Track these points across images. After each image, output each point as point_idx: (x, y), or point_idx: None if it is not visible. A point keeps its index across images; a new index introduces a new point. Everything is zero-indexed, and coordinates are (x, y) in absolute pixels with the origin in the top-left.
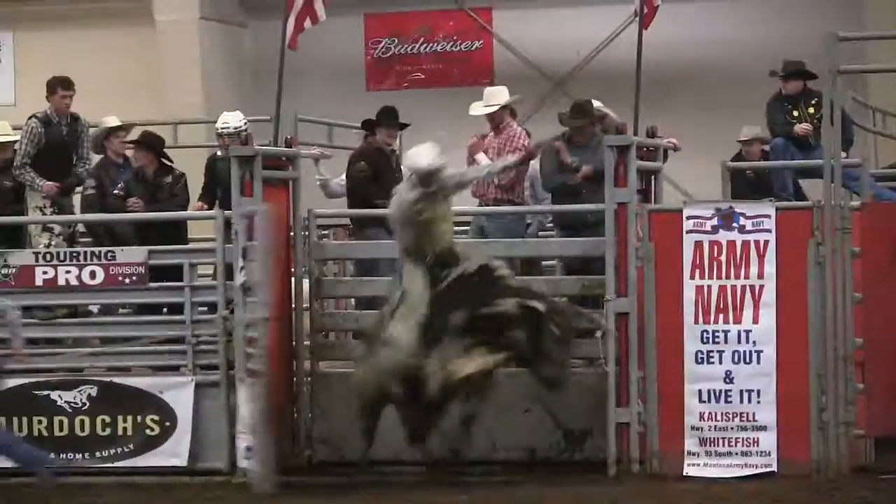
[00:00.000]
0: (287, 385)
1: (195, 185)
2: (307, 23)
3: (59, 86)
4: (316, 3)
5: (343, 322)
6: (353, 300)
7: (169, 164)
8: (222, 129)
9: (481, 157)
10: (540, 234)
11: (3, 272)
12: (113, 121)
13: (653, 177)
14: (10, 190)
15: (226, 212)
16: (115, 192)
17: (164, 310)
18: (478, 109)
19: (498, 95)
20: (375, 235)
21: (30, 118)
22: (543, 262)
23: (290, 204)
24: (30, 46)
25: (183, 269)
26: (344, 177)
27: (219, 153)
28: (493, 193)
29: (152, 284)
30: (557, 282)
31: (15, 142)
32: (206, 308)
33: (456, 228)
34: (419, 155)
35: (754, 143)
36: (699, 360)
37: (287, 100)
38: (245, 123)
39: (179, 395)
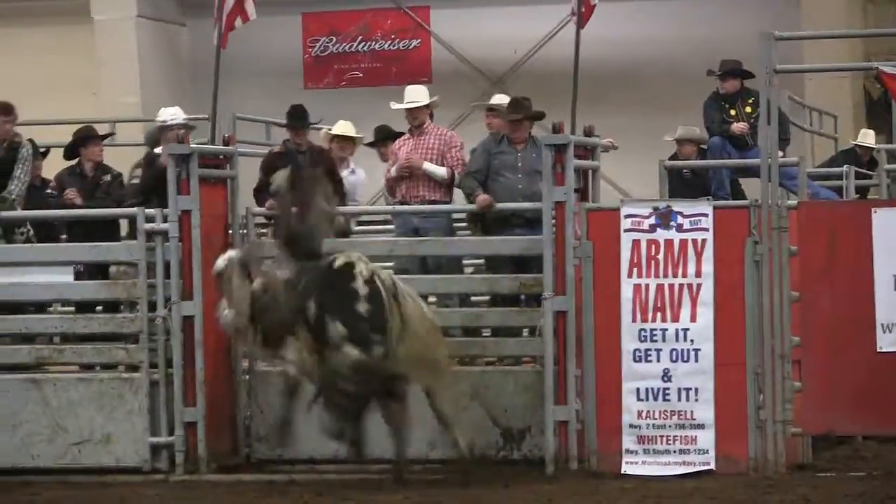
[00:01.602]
0: (226, 383)
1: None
2: (237, 22)
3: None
4: (246, 3)
5: None
6: None
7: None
8: (171, 120)
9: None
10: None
11: None
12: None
13: (590, 175)
14: None
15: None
16: (48, 190)
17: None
18: (397, 106)
19: (419, 94)
20: None
21: None
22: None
23: (227, 202)
24: None
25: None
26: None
27: (157, 150)
28: (424, 193)
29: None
30: (494, 280)
31: None
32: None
33: (381, 228)
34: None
35: (686, 144)
36: (637, 359)
37: (225, 98)
38: (184, 118)
39: None
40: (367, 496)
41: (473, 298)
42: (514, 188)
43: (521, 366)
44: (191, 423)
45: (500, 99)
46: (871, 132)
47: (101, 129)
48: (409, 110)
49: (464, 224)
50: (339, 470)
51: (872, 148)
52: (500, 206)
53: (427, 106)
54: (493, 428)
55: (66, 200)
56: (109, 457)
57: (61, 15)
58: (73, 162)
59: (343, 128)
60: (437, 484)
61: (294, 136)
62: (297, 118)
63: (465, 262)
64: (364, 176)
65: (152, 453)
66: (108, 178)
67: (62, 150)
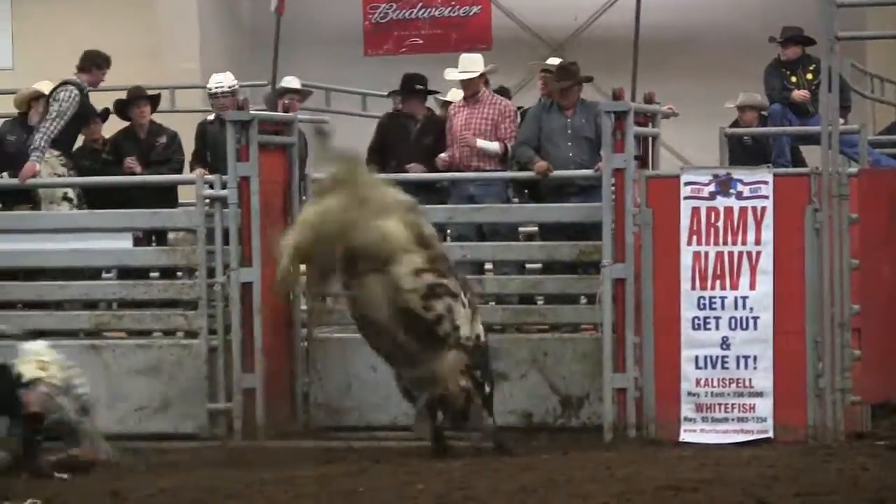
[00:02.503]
0: (285, 350)
1: (190, 149)
2: None
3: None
4: None
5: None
6: None
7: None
8: (216, 88)
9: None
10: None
11: None
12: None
13: (650, 142)
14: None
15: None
16: (104, 156)
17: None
18: (452, 74)
19: (474, 62)
20: None
21: (66, 84)
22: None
23: (286, 168)
24: (27, 12)
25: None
26: None
27: (209, 118)
28: (476, 163)
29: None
30: (553, 247)
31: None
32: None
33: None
34: None
35: (748, 111)
36: (696, 327)
37: (285, 66)
38: (236, 84)
39: None
40: (425, 463)
41: (529, 266)
42: (566, 156)
43: (580, 333)
44: (249, 390)
45: (555, 61)
46: None
47: (162, 96)
48: (462, 80)
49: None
50: (397, 437)
51: None
52: (556, 173)
53: (482, 75)
54: (551, 395)
55: (126, 168)
56: (167, 423)
57: None
58: (127, 124)
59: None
60: (495, 451)
61: (407, 106)
62: (413, 85)
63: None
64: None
65: (210, 420)
66: (163, 139)
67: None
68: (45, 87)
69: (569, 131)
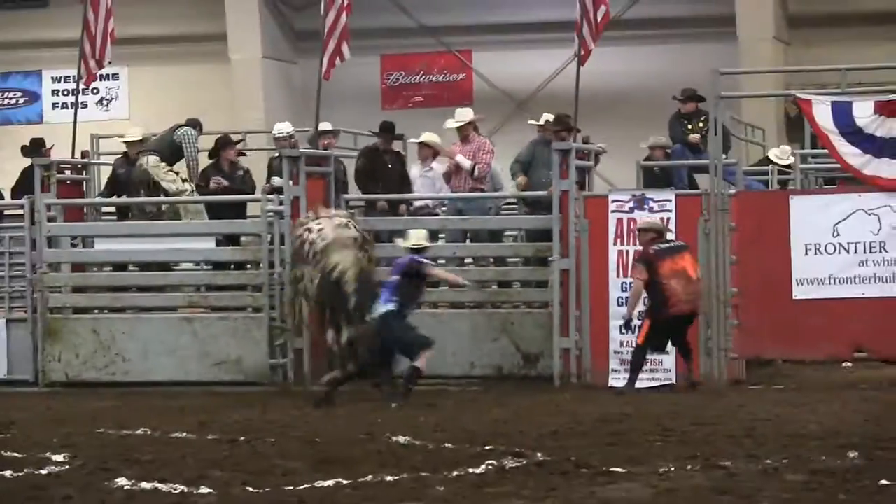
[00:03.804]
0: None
1: (258, 178)
2: (337, 61)
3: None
4: (343, 47)
5: None
6: None
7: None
8: (278, 133)
9: (461, 158)
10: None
11: None
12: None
13: (587, 172)
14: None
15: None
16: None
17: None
18: (450, 123)
19: (465, 114)
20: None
21: (182, 127)
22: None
23: (325, 191)
24: (139, 76)
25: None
26: None
27: (275, 155)
28: (469, 185)
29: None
30: (518, 246)
31: (140, 141)
32: None
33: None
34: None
35: (657, 149)
36: (620, 303)
37: (324, 115)
38: (292, 130)
39: None
40: (426, 401)
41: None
42: (543, 181)
43: (538, 309)
44: (298, 350)
45: (549, 117)
46: (787, 148)
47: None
48: (457, 127)
49: (514, 204)
50: None
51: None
52: (524, 193)
53: (469, 123)
54: (516, 353)
55: (214, 185)
56: (240, 374)
57: (207, 56)
58: (214, 160)
59: (428, 136)
60: (475, 394)
61: (383, 143)
62: (389, 130)
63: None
64: (442, 169)
65: (271, 371)
66: (241, 172)
67: (207, 152)
68: (137, 133)
69: (550, 163)
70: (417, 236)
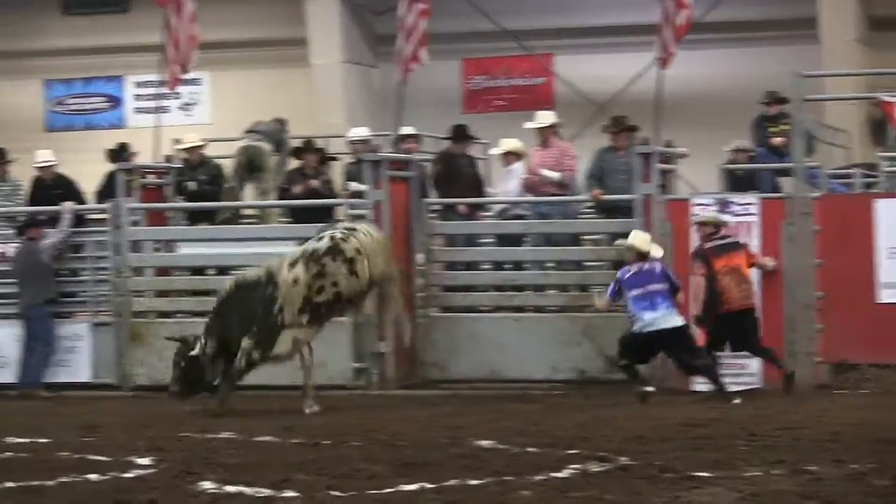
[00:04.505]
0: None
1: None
2: (414, 65)
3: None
4: (421, 51)
5: (445, 280)
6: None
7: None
8: (354, 138)
9: (547, 172)
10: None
11: None
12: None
13: (669, 175)
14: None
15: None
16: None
17: None
18: (529, 125)
19: (546, 117)
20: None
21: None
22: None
23: (408, 195)
24: (221, 82)
25: None
26: None
27: (353, 159)
28: (551, 190)
29: None
30: (602, 249)
31: (201, 146)
32: None
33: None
34: None
35: (740, 153)
36: None
37: (405, 120)
38: (369, 135)
39: None
40: (509, 405)
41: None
42: (618, 186)
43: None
44: (382, 353)
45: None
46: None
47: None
48: (537, 129)
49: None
50: (489, 387)
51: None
52: (605, 197)
53: (550, 126)
54: (599, 357)
55: (306, 185)
56: (325, 376)
57: (289, 61)
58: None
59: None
60: (559, 397)
61: (456, 148)
62: (461, 134)
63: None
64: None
65: (355, 374)
66: (325, 176)
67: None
68: (196, 139)
69: (621, 167)
70: (646, 240)
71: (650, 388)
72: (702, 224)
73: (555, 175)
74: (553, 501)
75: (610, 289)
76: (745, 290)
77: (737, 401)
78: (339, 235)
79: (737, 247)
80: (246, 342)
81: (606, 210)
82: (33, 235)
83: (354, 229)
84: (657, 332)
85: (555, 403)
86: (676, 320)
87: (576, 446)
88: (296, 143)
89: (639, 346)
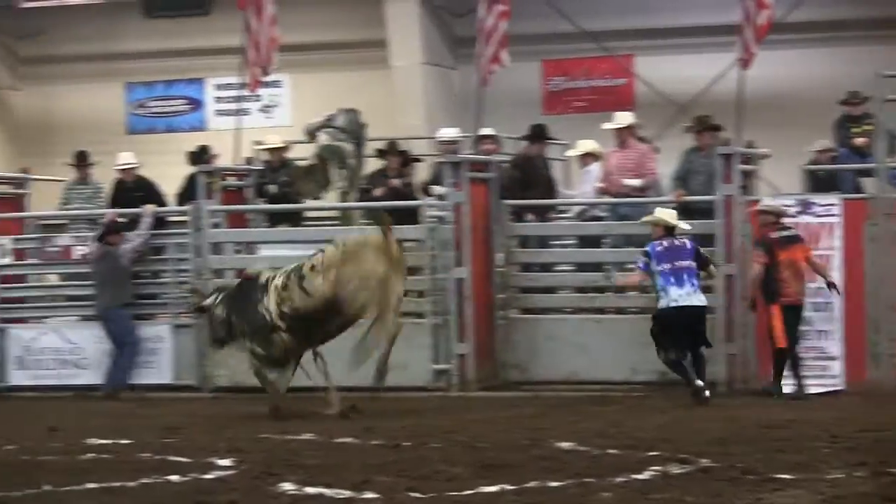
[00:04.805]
0: (488, 326)
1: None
2: (495, 66)
3: None
4: (501, 53)
5: (525, 281)
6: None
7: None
8: (442, 138)
9: (629, 181)
10: None
11: None
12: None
13: (751, 176)
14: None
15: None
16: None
17: None
18: (607, 126)
19: (624, 118)
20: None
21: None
22: None
23: (488, 196)
24: (302, 84)
25: None
26: None
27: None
28: (628, 191)
29: None
30: None
31: (283, 148)
32: None
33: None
34: None
35: (822, 153)
36: None
37: (485, 122)
38: (458, 136)
39: None
40: (589, 407)
41: None
42: (698, 188)
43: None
44: (462, 355)
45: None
46: None
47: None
48: (615, 130)
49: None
50: (569, 389)
51: None
52: (686, 198)
53: (627, 127)
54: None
55: (389, 184)
56: (405, 378)
57: (369, 63)
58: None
59: (588, 145)
60: (638, 399)
61: (533, 149)
62: (539, 135)
63: None
64: (598, 172)
65: (435, 376)
66: (407, 178)
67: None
68: (278, 140)
69: (702, 168)
70: (672, 215)
71: (699, 383)
72: (764, 213)
73: (636, 182)
74: (633, 503)
75: (640, 263)
76: (801, 284)
77: (707, 393)
78: (316, 252)
79: (798, 240)
80: (247, 343)
81: (687, 211)
82: (113, 241)
83: (328, 247)
84: (681, 308)
85: (635, 405)
86: (701, 299)
87: (656, 448)
88: (378, 145)
89: (666, 327)
